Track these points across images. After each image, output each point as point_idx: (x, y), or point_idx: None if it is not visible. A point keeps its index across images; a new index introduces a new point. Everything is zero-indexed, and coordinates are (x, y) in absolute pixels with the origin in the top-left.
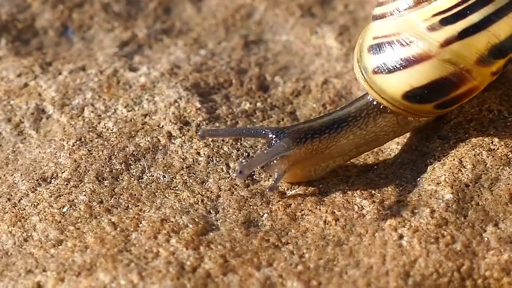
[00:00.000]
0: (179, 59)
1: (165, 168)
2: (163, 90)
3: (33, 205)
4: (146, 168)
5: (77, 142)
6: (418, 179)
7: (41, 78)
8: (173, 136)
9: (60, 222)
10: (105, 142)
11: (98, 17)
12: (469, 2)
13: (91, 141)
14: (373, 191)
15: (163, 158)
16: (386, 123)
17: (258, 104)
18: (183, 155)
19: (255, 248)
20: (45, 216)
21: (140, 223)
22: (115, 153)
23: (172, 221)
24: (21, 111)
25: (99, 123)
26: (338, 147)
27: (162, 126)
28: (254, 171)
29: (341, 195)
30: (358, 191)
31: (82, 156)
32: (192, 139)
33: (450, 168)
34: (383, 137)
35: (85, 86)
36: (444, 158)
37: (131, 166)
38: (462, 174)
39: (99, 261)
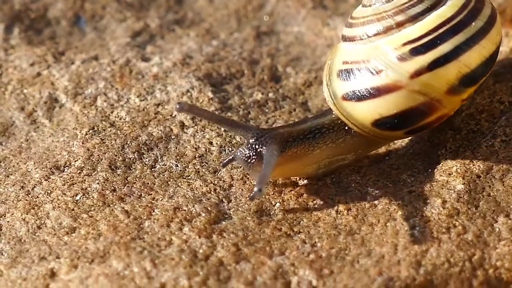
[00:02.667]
0: (191, 49)
1: (177, 157)
2: (175, 80)
3: (46, 193)
4: (159, 157)
5: (90, 131)
6: (430, 170)
7: (54, 67)
8: (186, 125)
9: (73, 210)
10: (118, 131)
11: (111, 7)
12: (439, 31)
13: (104, 130)
14: (385, 181)
15: (176, 148)
16: (354, 142)
17: (270, 95)
18: (196, 144)
19: (267, 237)
20: (58, 204)
21: (153, 211)
22: (128, 142)
23: (184, 210)
24: (34, 100)
25: (112, 112)
26: (313, 156)
27: (175, 115)
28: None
29: (353, 185)
30: (370, 181)
31: (95, 145)
32: (205, 129)
33: (462, 159)
34: (351, 153)
35: (98, 76)
36: (455, 149)
37: (144, 155)
38: (473, 165)
39: (112, 248)
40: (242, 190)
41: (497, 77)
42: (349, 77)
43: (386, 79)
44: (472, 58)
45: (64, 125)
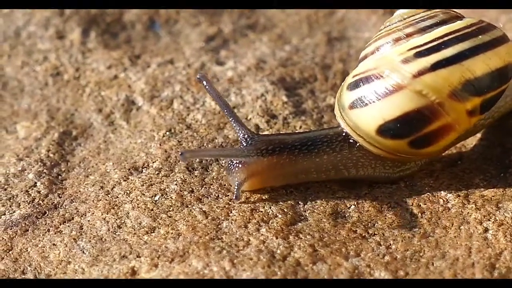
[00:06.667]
0: (264, 54)
1: None
2: (250, 84)
3: (125, 193)
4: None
5: (167, 133)
6: (502, 174)
7: (131, 70)
8: (261, 128)
9: (152, 210)
10: (194, 133)
11: (184, 12)
12: (445, 38)
13: (181, 132)
14: (458, 185)
15: None
16: (362, 155)
17: None
18: None
19: (343, 239)
20: (137, 204)
21: (231, 212)
22: (204, 144)
23: (261, 211)
24: (112, 102)
25: (188, 115)
26: (305, 166)
27: (250, 118)
28: None
29: (426, 188)
30: (443, 185)
31: (172, 147)
32: (279, 131)
33: None
34: (360, 168)
35: (174, 79)
36: None
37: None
38: None
39: (192, 248)
40: (318, 192)
41: None
42: (357, 86)
43: (390, 81)
44: (477, 65)
45: (141, 127)
